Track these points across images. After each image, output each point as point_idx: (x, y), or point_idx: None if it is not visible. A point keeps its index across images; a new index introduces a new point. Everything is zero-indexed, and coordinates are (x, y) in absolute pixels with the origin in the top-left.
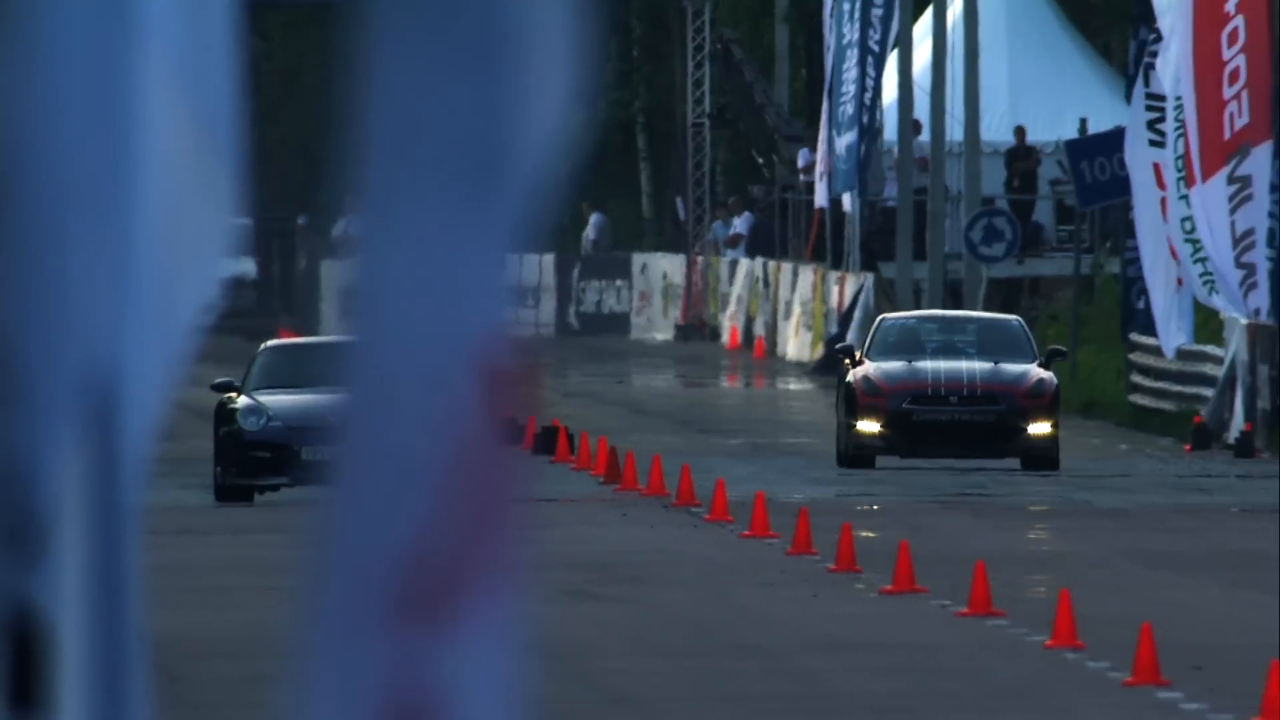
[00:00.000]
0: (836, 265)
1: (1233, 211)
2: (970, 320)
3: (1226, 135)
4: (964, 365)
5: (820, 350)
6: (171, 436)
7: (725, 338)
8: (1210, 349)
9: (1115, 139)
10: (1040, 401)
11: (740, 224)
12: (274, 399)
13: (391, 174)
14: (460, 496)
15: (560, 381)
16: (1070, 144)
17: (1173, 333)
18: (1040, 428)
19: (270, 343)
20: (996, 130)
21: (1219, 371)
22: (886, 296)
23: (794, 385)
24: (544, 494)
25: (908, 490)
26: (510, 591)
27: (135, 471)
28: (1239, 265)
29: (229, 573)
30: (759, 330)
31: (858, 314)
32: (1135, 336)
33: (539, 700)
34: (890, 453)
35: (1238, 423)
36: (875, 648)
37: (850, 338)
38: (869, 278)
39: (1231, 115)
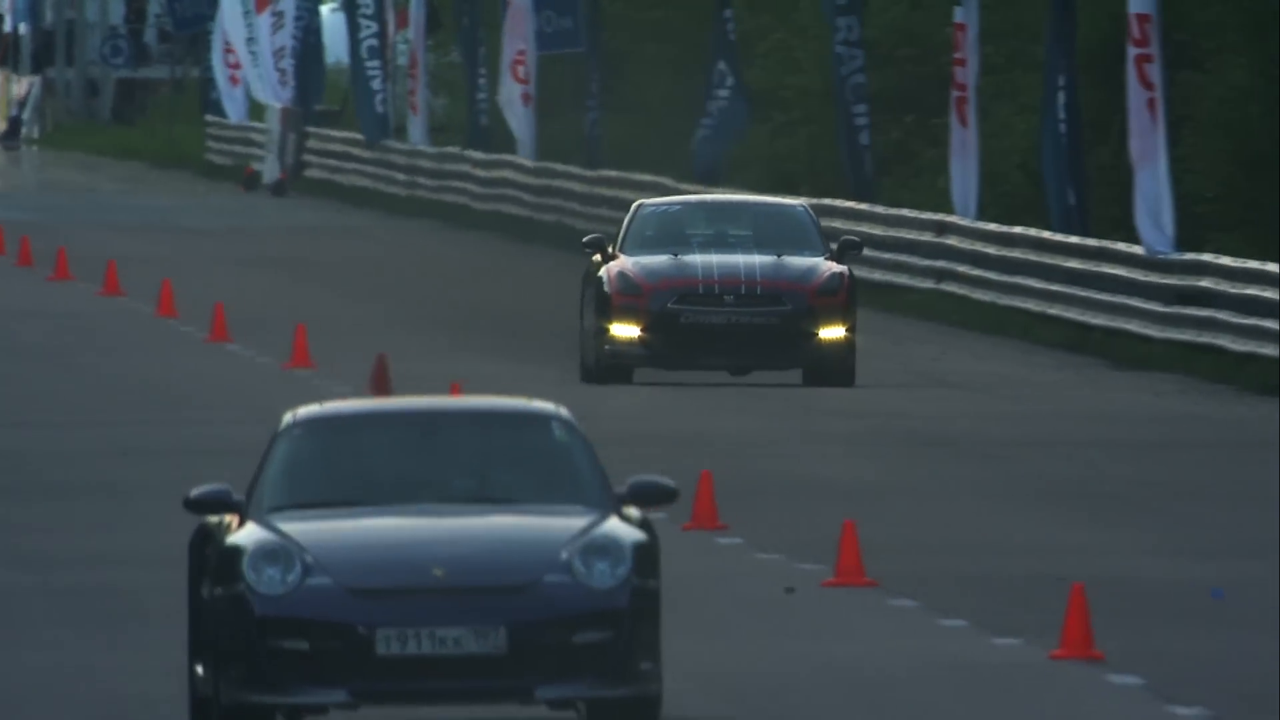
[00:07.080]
0: (17, 70)
1: (274, 34)
2: (745, 207)
3: None
4: (741, 259)
5: (4, 125)
6: None
7: None
8: (256, 125)
9: None
10: (833, 301)
11: None
12: (315, 529)
13: None
14: None
15: None
16: None
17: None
18: (832, 332)
19: (301, 412)
20: None
21: (264, 137)
22: (49, 88)
23: None
24: None
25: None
26: None
27: None
28: (277, 69)
29: None
30: None
31: (30, 100)
32: (210, 117)
33: None
34: (652, 363)
35: (274, 172)
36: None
37: (25, 115)
38: (39, 78)
39: None
